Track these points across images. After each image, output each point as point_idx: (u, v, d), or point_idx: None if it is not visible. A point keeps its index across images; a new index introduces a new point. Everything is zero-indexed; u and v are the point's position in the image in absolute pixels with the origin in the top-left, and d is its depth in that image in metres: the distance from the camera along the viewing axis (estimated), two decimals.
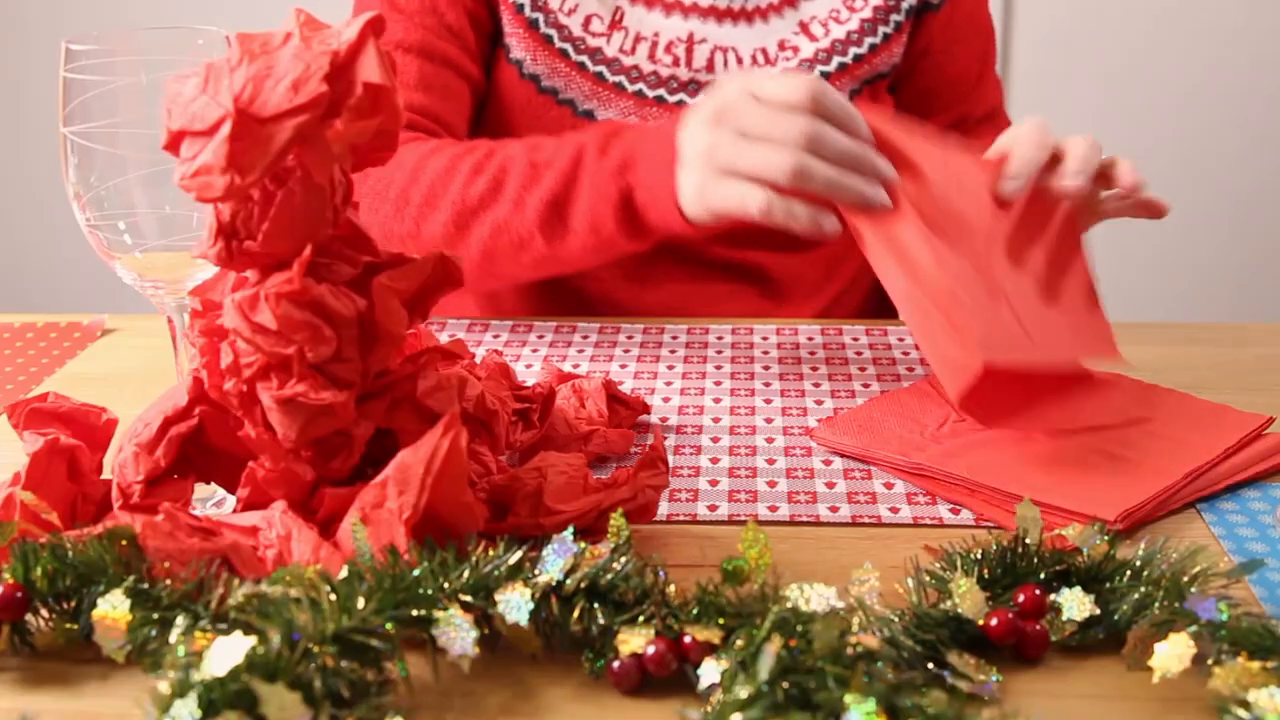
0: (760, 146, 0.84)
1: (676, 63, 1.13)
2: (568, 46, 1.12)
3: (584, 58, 1.12)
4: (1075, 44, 2.29)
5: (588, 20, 1.12)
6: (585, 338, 1.05)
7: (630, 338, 1.04)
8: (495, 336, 1.05)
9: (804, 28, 1.15)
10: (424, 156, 1.02)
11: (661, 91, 1.13)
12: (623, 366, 0.98)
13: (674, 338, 1.04)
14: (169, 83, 0.63)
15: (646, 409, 0.88)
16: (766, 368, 0.98)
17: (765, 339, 1.04)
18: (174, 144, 0.62)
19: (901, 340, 1.03)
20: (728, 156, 0.86)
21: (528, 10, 1.12)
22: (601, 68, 1.12)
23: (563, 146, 0.98)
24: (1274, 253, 2.38)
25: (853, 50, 1.15)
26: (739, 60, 1.13)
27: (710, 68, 1.13)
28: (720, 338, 1.04)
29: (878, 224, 0.83)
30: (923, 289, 0.80)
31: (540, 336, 1.05)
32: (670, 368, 0.98)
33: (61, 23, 2.50)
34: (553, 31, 1.12)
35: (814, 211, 0.84)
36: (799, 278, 1.20)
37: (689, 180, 0.89)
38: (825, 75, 1.14)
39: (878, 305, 1.28)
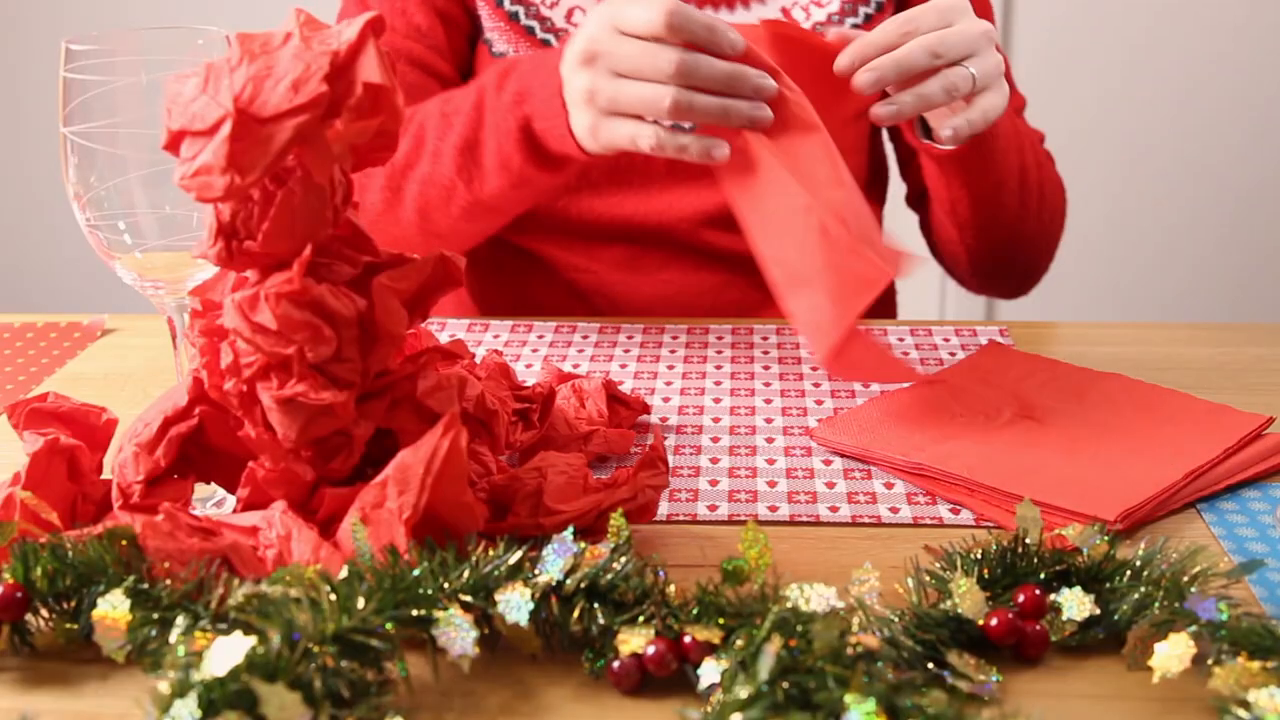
0: (636, 86, 0.86)
1: None
2: (550, 37, 1.12)
3: None
4: (1075, 42, 2.29)
5: (570, 12, 1.13)
6: (585, 338, 1.04)
7: (630, 337, 1.04)
8: (495, 336, 1.05)
9: (785, 13, 1.15)
10: None
11: None
12: (623, 366, 0.98)
13: (674, 337, 1.04)
14: (169, 83, 0.63)
15: (646, 409, 0.88)
16: (766, 368, 0.98)
17: (765, 339, 1.04)
18: (174, 144, 0.62)
19: (901, 340, 1.03)
20: (608, 98, 0.88)
21: (507, 4, 1.13)
22: None
23: (468, 93, 1.01)
24: (1274, 252, 2.38)
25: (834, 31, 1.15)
26: None
27: None
28: (720, 337, 1.04)
29: (757, 159, 0.84)
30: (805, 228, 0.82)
31: (540, 336, 1.05)
32: (670, 368, 0.98)
33: (61, 23, 2.50)
34: (534, 23, 1.12)
35: (703, 142, 0.86)
36: None
37: (579, 120, 0.91)
38: None
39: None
